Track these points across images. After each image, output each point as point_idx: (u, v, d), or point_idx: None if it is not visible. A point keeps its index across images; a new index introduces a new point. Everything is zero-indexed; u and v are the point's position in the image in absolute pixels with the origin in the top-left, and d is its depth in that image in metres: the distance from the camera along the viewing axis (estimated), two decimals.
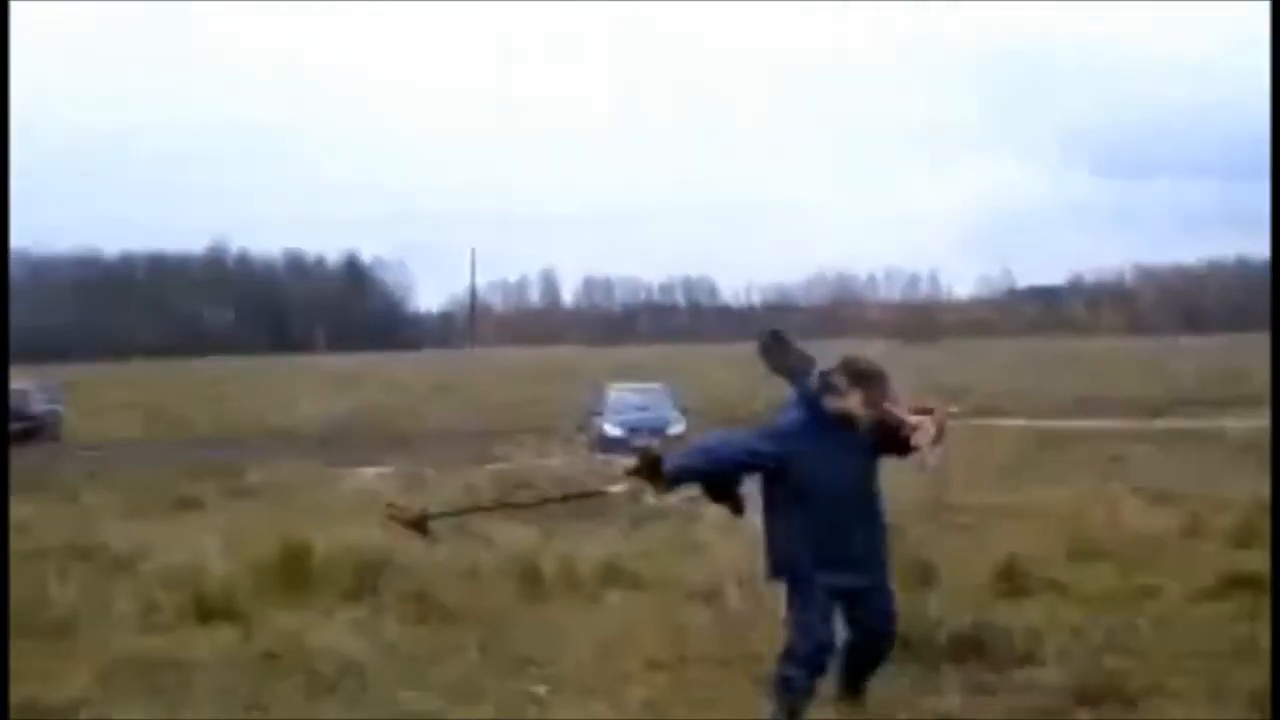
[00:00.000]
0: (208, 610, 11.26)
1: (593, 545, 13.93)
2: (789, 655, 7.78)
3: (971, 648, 9.22)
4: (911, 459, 7.84)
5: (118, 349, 69.35)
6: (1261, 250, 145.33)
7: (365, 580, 12.22)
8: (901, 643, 9.68)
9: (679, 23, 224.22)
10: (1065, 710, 7.95)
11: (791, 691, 7.71)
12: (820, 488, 7.68)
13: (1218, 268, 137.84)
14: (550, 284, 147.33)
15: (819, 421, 7.75)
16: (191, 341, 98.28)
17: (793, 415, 7.89)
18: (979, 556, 12.57)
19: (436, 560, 12.85)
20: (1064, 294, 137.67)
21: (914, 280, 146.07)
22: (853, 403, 7.71)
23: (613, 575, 12.76)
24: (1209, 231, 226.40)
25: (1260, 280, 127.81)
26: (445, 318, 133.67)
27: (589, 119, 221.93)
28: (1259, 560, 12.52)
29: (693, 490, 8.27)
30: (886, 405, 7.70)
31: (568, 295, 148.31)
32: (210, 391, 57.47)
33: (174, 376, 67.95)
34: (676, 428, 34.90)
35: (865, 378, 7.81)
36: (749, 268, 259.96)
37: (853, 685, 8.13)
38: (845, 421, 7.69)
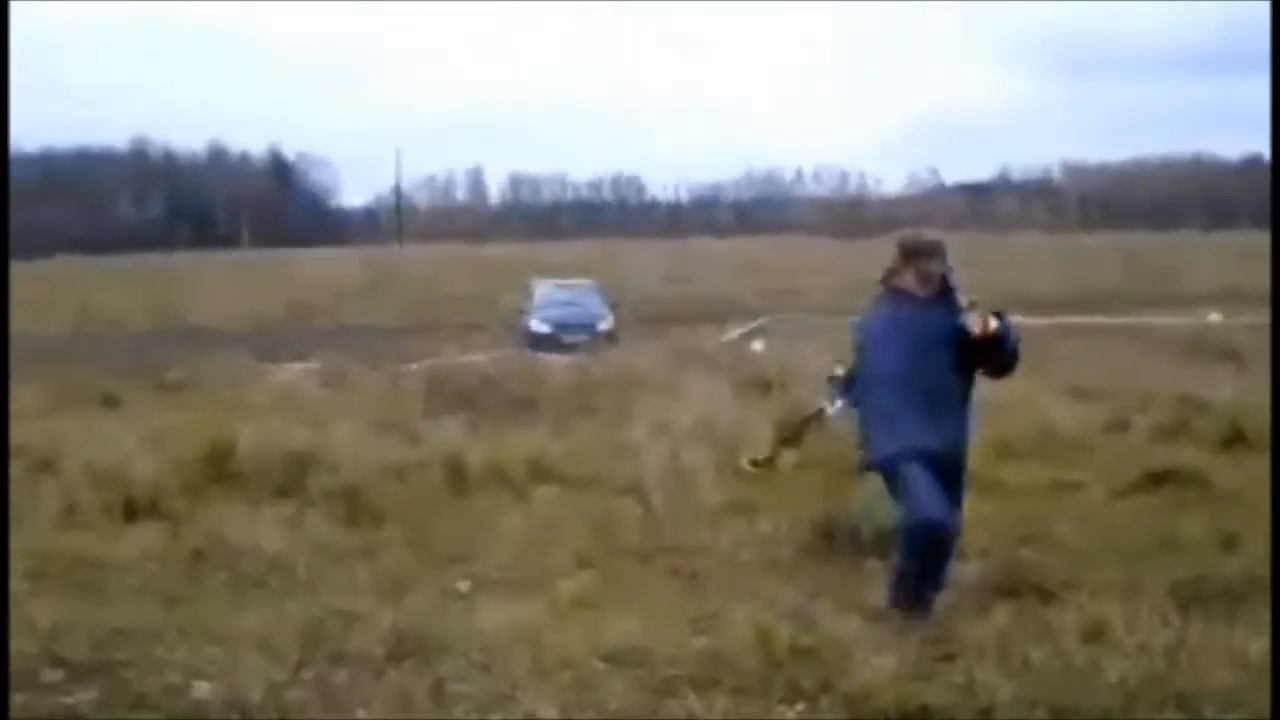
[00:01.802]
0: (133, 508, 11.21)
1: (521, 443, 13.94)
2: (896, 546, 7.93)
3: (894, 541, 9.29)
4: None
5: (41, 245, 68.52)
6: (1189, 148, 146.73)
7: (292, 477, 12.19)
8: (825, 535, 9.79)
9: None
10: (985, 603, 8.01)
11: (901, 584, 7.85)
12: (876, 369, 7.83)
13: (1142, 165, 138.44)
14: (477, 181, 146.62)
15: (886, 306, 7.89)
16: (116, 237, 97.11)
17: (872, 304, 8.04)
18: None
19: (364, 457, 12.83)
20: (992, 190, 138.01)
21: (843, 178, 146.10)
22: (907, 279, 7.79)
23: (540, 473, 12.78)
24: (1138, 130, 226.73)
25: (1184, 177, 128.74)
26: (371, 214, 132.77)
27: (523, 15, 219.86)
28: (1180, 455, 12.67)
29: None
30: (948, 277, 7.77)
31: (494, 192, 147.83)
32: (134, 287, 56.90)
33: (98, 272, 67.28)
34: (604, 323, 34.85)
35: (915, 252, 7.88)
36: (678, 165, 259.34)
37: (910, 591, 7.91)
38: (907, 299, 7.80)
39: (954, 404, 7.82)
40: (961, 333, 7.57)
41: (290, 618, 7.96)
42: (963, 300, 7.66)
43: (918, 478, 7.67)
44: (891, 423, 7.71)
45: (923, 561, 7.76)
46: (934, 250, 7.87)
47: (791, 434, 10.56)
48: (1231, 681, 6.35)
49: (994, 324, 7.53)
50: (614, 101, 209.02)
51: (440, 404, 17.21)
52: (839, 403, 8.60)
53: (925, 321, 7.68)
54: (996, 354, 7.70)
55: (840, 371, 8.53)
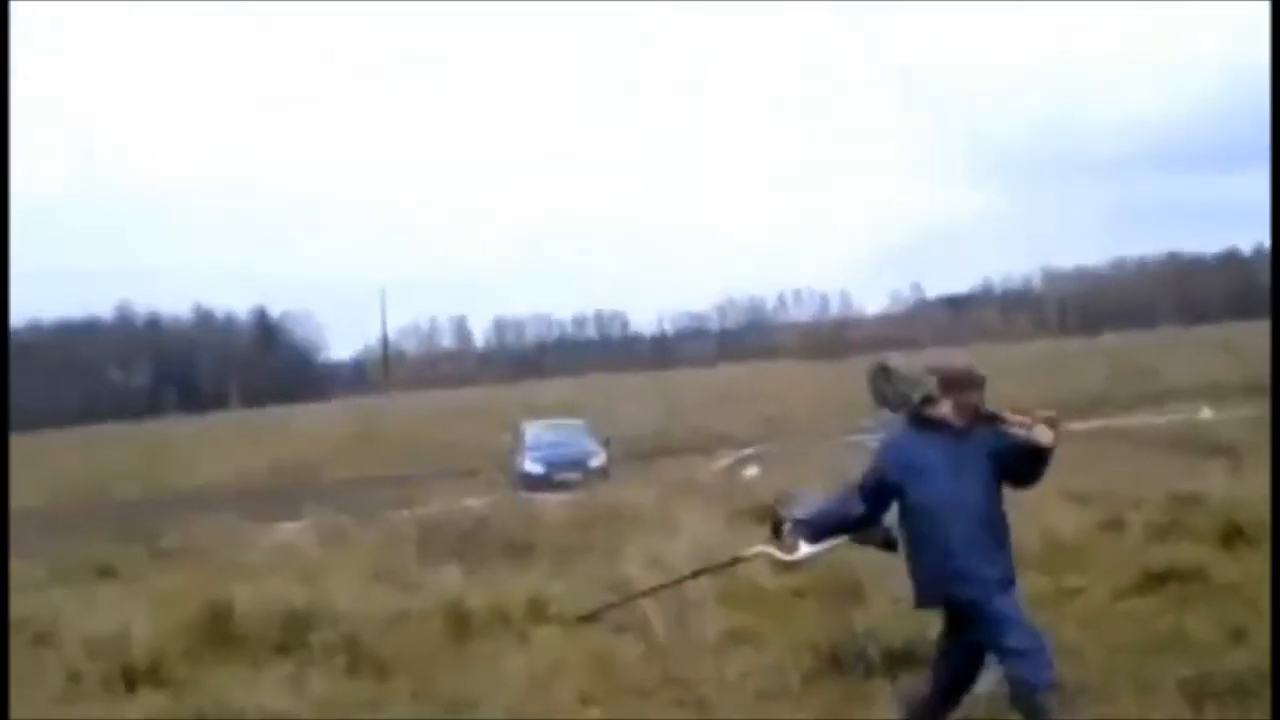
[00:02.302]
0: (134, 677, 11.15)
1: (519, 585, 13.90)
2: None
3: (904, 662, 9.26)
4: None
5: (26, 419, 68.46)
6: (1163, 247, 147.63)
7: (292, 634, 12.14)
8: (830, 659, 9.76)
9: (574, 48, 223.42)
10: (997, 713, 7.97)
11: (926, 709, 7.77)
12: (939, 501, 7.48)
13: (1120, 267, 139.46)
14: (461, 327, 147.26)
15: (920, 435, 7.65)
16: (102, 406, 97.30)
17: (894, 435, 7.80)
18: (902, 570, 12.57)
19: (363, 609, 12.80)
20: (973, 301, 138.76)
21: (824, 300, 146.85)
22: (944, 409, 7.64)
23: (540, 613, 12.74)
24: (1112, 232, 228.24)
25: (1161, 277, 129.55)
26: (358, 366, 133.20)
27: (493, 154, 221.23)
28: (1179, 552, 12.66)
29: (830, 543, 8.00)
30: (983, 406, 7.63)
31: (479, 337, 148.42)
32: (123, 455, 56.89)
33: (86, 443, 67.31)
34: (596, 460, 34.86)
35: (956, 382, 7.72)
36: (659, 297, 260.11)
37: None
38: (943, 428, 7.59)
39: (1007, 531, 7.71)
40: (1012, 452, 7.50)
41: None
42: (1009, 415, 7.56)
43: (1013, 614, 7.45)
44: (969, 556, 7.41)
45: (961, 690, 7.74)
46: (977, 383, 7.80)
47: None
48: None
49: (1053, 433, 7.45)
50: (593, 237, 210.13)
51: (437, 551, 17.16)
52: (805, 549, 8.01)
53: (972, 450, 7.53)
54: (1042, 464, 7.59)
55: (800, 514, 8.03)
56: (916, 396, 7.72)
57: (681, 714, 8.92)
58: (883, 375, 8.05)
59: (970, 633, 7.44)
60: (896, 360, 8.11)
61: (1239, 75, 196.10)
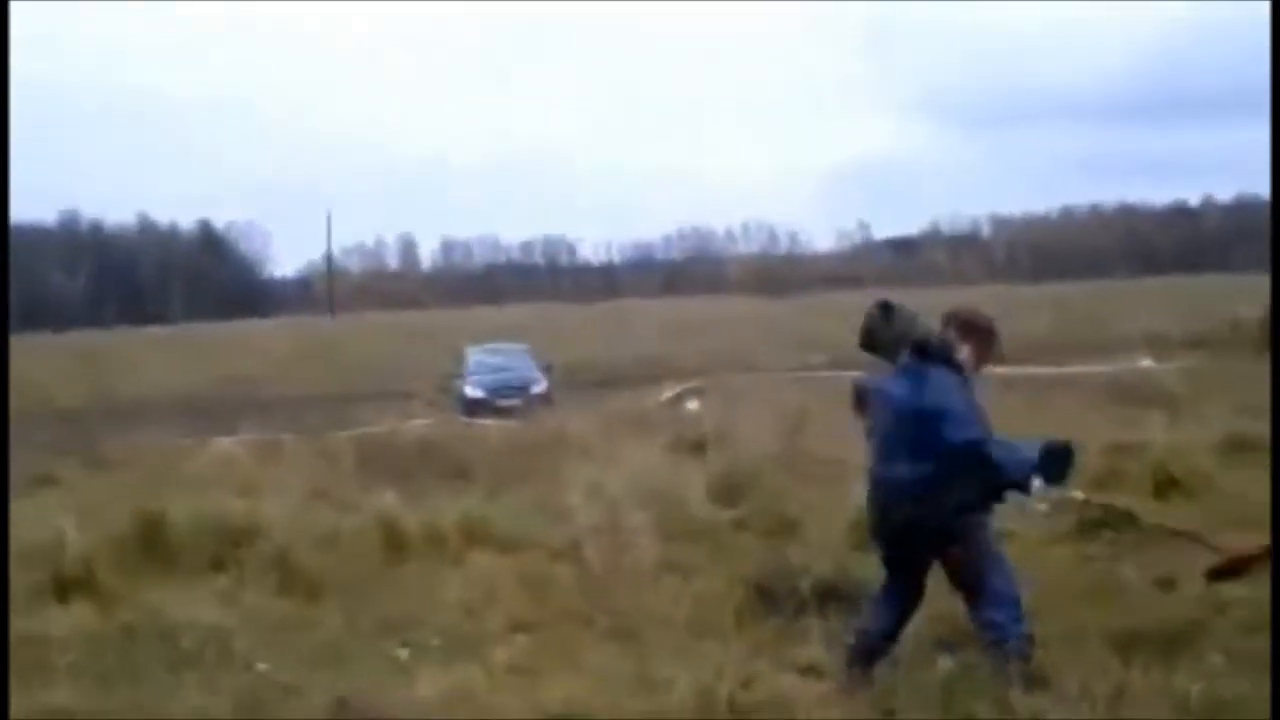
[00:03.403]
0: (66, 587, 11.07)
1: (457, 508, 13.87)
2: None
3: (834, 597, 9.28)
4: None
5: None
6: (1113, 197, 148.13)
7: (226, 550, 12.08)
8: (764, 594, 9.77)
9: None
10: (926, 655, 8.00)
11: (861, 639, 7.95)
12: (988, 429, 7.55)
13: (1069, 215, 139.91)
14: (408, 247, 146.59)
15: (954, 374, 7.69)
16: (46, 313, 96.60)
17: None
18: (838, 508, 12.58)
19: (299, 527, 12.75)
20: (921, 243, 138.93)
21: (773, 235, 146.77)
22: (964, 354, 7.74)
23: (476, 537, 12.71)
24: (1064, 180, 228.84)
25: (1110, 227, 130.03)
26: (303, 284, 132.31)
27: (446, 77, 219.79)
28: (1115, 500, 12.71)
29: None
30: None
31: (426, 258, 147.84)
32: (65, 364, 56.51)
33: (27, 349, 66.83)
34: (538, 387, 34.78)
35: (976, 331, 7.86)
36: (608, 226, 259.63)
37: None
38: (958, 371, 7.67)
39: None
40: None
41: (227, 691, 7.89)
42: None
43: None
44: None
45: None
46: (993, 332, 7.99)
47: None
48: None
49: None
50: (541, 163, 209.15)
51: (375, 472, 17.13)
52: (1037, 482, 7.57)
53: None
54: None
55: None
56: (917, 335, 7.74)
57: (612, 644, 8.91)
58: (883, 314, 8.05)
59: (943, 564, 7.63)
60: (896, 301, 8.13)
61: (1193, 29, 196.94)
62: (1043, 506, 7.91)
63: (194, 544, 12.25)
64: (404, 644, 9.48)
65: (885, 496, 7.58)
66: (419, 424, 25.51)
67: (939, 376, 7.56)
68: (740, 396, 26.80)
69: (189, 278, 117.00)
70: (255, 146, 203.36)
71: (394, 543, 12.48)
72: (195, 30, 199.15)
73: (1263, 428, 16.33)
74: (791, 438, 16.99)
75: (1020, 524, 10.94)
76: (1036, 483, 7.38)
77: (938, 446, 7.42)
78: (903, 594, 7.82)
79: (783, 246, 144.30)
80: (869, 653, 7.78)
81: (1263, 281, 45.06)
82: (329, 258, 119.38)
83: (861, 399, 8.19)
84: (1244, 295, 43.76)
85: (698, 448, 18.60)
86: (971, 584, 7.48)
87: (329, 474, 17.44)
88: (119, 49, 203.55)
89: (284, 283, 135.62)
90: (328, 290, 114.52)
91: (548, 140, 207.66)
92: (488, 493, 15.48)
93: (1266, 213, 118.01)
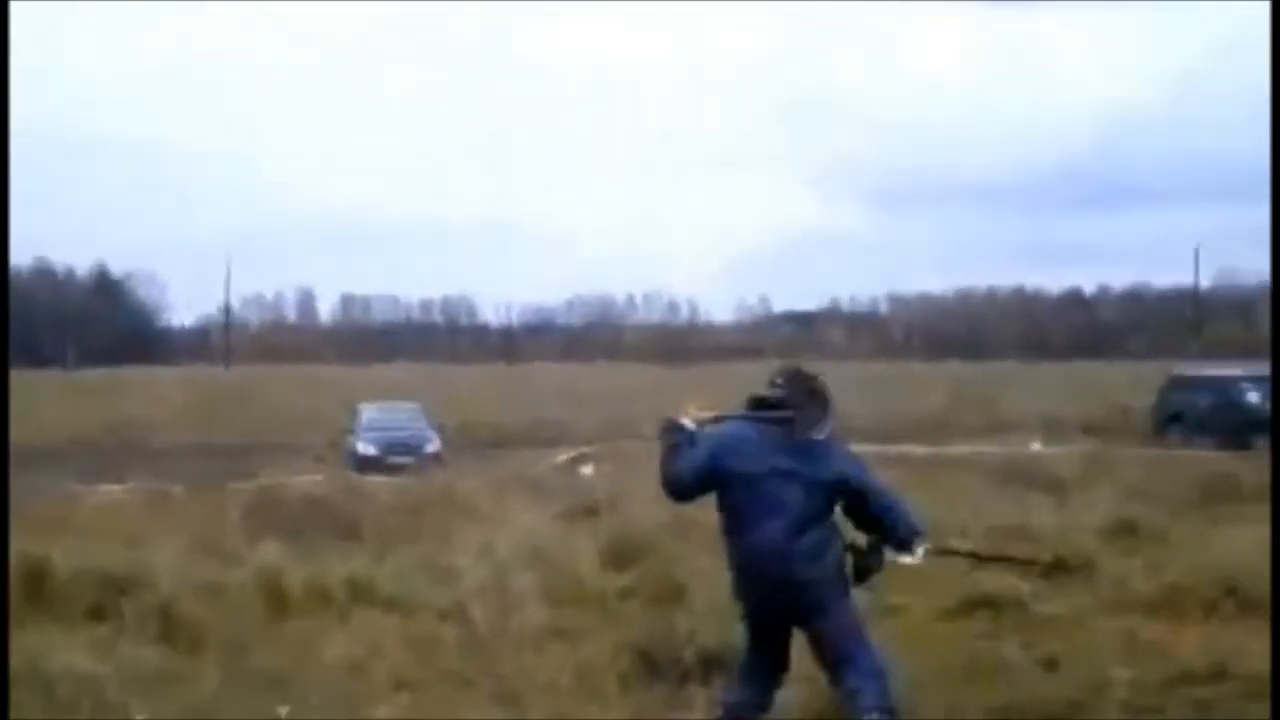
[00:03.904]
0: None
1: (342, 564, 13.79)
2: None
3: (718, 666, 9.27)
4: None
5: None
6: (1011, 281, 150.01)
7: (106, 598, 11.95)
8: (648, 661, 9.76)
9: (446, 33, 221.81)
10: None
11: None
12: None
13: (966, 297, 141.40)
14: (307, 301, 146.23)
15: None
16: None
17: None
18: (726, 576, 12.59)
19: (182, 578, 12.62)
20: (820, 319, 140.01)
21: (673, 305, 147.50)
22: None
23: (362, 595, 12.64)
24: (963, 262, 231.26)
25: (1006, 311, 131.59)
26: (200, 333, 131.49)
27: (353, 134, 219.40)
28: (999, 580, 12.81)
29: None
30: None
31: (325, 312, 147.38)
32: None
33: None
34: (431, 446, 34.70)
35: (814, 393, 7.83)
36: (508, 289, 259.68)
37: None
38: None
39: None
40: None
41: None
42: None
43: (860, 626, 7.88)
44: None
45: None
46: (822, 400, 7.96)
47: None
48: None
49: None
50: (445, 224, 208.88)
51: (263, 525, 16.99)
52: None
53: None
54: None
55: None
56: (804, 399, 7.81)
57: (494, 707, 8.87)
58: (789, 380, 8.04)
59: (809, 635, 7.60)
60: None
61: (1092, 123, 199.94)
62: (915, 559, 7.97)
63: (76, 592, 12.10)
64: (283, 701, 9.38)
65: (764, 563, 7.56)
66: (309, 479, 25.34)
67: (830, 445, 7.65)
68: (634, 463, 26.81)
69: (84, 322, 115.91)
70: (157, 194, 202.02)
71: (278, 598, 12.39)
72: (99, 72, 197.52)
73: (1147, 512, 16.59)
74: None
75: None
76: (919, 545, 7.69)
77: (824, 514, 7.52)
78: (769, 664, 7.83)
79: (683, 316, 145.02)
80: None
81: (1154, 369, 45.75)
82: (226, 308, 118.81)
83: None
84: (1135, 383, 44.41)
85: (589, 513, 18.58)
86: (840, 654, 7.50)
87: (216, 526, 17.30)
88: (17, 88, 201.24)
89: (181, 331, 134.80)
90: (224, 340, 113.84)
91: (450, 201, 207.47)
92: (375, 551, 15.40)
93: (1158, 303, 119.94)
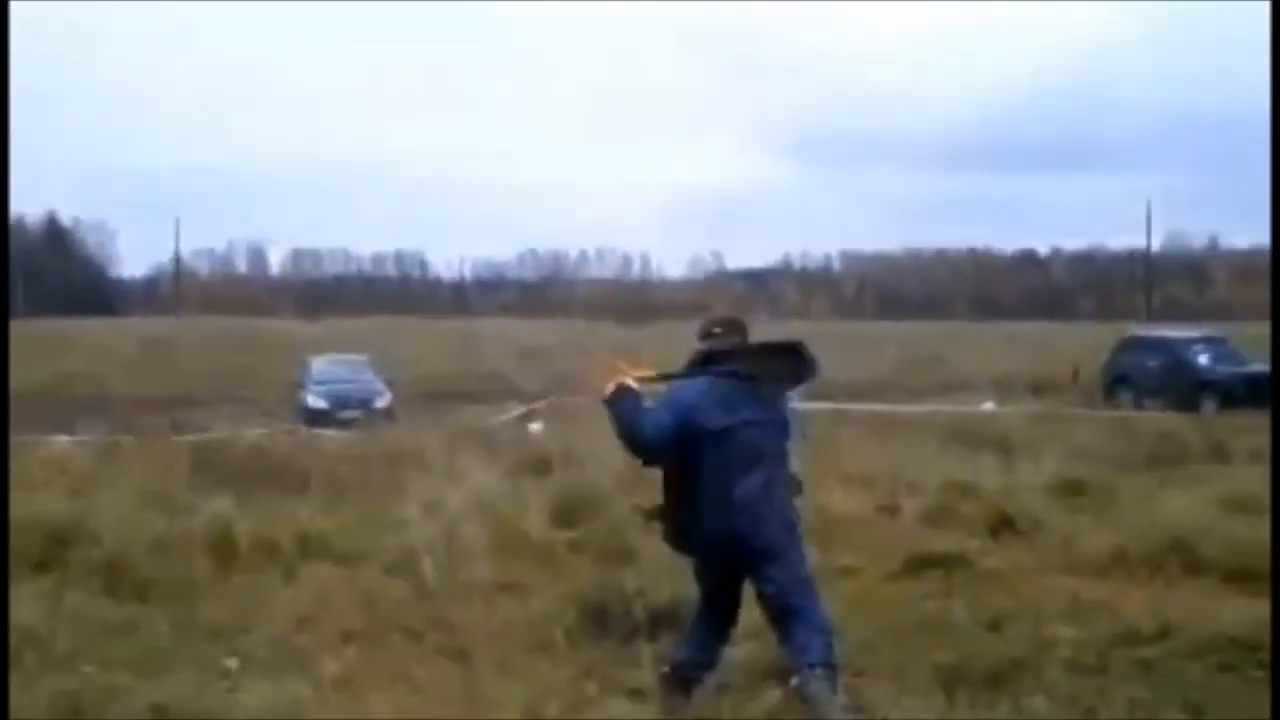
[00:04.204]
0: None
1: (292, 518, 13.74)
2: None
3: (667, 622, 9.27)
4: None
5: None
6: (964, 241, 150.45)
7: (52, 550, 11.86)
8: (597, 616, 9.77)
9: None
10: (754, 687, 8.02)
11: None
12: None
13: (918, 256, 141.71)
14: (258, 254, 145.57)
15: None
16: None
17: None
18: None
19: (129, 530, 12.56)
20: (772, 276, 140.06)
21: (626, 261, 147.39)
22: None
23: (311, 548, 12.60)
24: (916, 222, 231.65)
25: (958, 271, 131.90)
26: (150, 285, 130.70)
27: (305, 85, 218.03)
28: (948, 540, 12.87)
29: None
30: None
31: (276, 265, 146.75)
32: None
33: None
34: (381, 400, 34.50)
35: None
36: (461, 244, 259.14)
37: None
38: None
39: None
40: None
41: (44, 692, 7.75)
42: None
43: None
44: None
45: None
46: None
47: None
48: None
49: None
50: (397, 179, 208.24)
51: (211, 477, 16.92)
52: None
53: None
54: None
55: None
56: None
57: (442, 660, 8.85)
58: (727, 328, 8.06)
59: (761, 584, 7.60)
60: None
61: (1049, 83, 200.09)
62: None
63: (22, 543, 12.00)
64: (232, 653, 9.35)
65: (738, 515, 7.55)
66: (259, 432, 25.28)
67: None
68: (585, 419, 26.81)
69: (32, 272, 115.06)
70: (109, 144, 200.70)
71: (226, 550, 12.32)
72: (55, 22, 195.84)
73: (1095, 472, 16.70)
74: (633, 462, 17.01)
75: None
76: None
77: (784, 456, 7.64)
78: (719, 620, 7.84)
79: (635, 272, 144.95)
80: (687, 680, 7.78)
81: (1106, 330, 45.90)
82: (176, 259, 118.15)
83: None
84: (1086, 343, 44.56)
85: (539, 468, 18.56)
86: (789, 606, 7.50)
87: (164, 478, 17.19)
88: None
89: (131, 282, 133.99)
90: (174, 292, 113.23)
91: (403, 156, 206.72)
92: (324, 504, 15.36)
93: (1109, 265, 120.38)
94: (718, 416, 7.54)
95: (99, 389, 45.25)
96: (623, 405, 7.45)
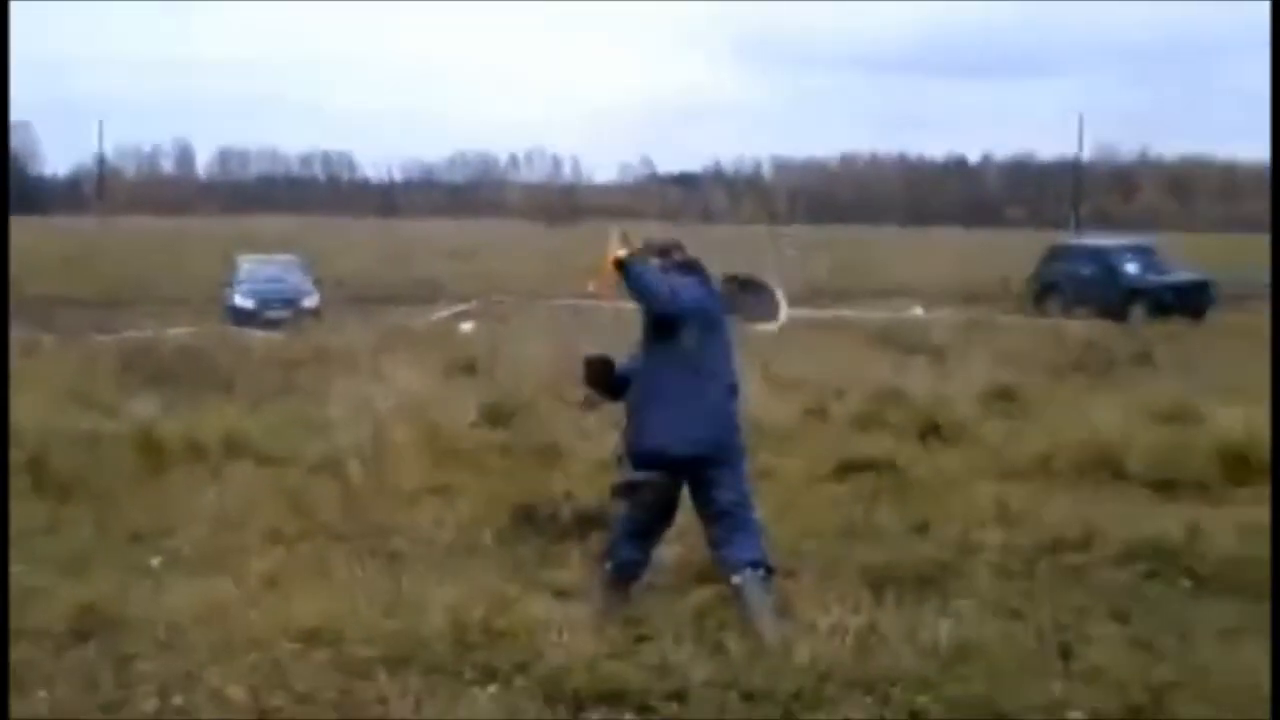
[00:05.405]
0: None
1: (218, 418, 13.65)
2: None
3: (594, 523, 9.27)
4: None
5: None
6: (895, 147, 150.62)
7: None
8: (525, 518, 9.76)
9: None
10: (683, 587, 8.04)
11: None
12: None
13: (850, 163, 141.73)
14: (184, 153, 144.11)
15: None
16: None
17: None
18: (604, 436, 12.59)
19: (53, 429, 12.46)
20: (703, 182, 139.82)
21: (556, 164, 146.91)
22: None
23: (237, 448, 12.53)
24: (847, 128, 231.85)
25: (889, 177, 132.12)
26: (73, 184, 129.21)
27: None
28: (875, 444, 12.91)
29: None
30: None
31: (202, 166, 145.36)
32: None
33: None
34: (309, 300, 34.28)
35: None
36: (389, 145, 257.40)
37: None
38: None
39: None
40: None
41: None
42: None
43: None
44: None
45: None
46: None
47: None
48: (918, 665, 6.47)
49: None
50: (327, 80, 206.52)
51: (137, 377, 16.82)
52: None
53: None
54: None
55: None
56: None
57: (369, 561, 8.82)
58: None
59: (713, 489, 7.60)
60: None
61: None
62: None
63: None
64: (156, 553, 9.29)
65: (711, 405, 7.53)
66: (184, 331, 25.10)
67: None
68: (514, 321, 26.79)
69: None
70: (35, 38, 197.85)
71: (152, 450, 12.24)
72: None
73: (1023, 378, 16.79)
74: (562, 364, 16.98)
75: None
76: None
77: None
78: (656, 520, 7.81)
79: (565, 175, 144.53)
80: (629, 580, 7.78)
81: (1034, 238, 46.08)
82: (100, 158, 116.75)
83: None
84: (1015, 251, 44.74)
85: (468, 369, 18.52)
86: (724, 508, 7.50)
87: (88, 378, 17.09)
88: None
89: (54, 181, 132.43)
90: (98, 191, 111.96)
91: (332, 55, 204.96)
92: (250, 404, 15.28)
93: (1040, 174, 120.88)
94: (708, 302, 7.58)
95: (19, 289, 44.74)
96: (639, 265, 7.36)
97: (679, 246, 7.88)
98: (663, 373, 7.52)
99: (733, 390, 7.66)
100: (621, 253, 7.22)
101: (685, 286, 7.49)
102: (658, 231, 8.32)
